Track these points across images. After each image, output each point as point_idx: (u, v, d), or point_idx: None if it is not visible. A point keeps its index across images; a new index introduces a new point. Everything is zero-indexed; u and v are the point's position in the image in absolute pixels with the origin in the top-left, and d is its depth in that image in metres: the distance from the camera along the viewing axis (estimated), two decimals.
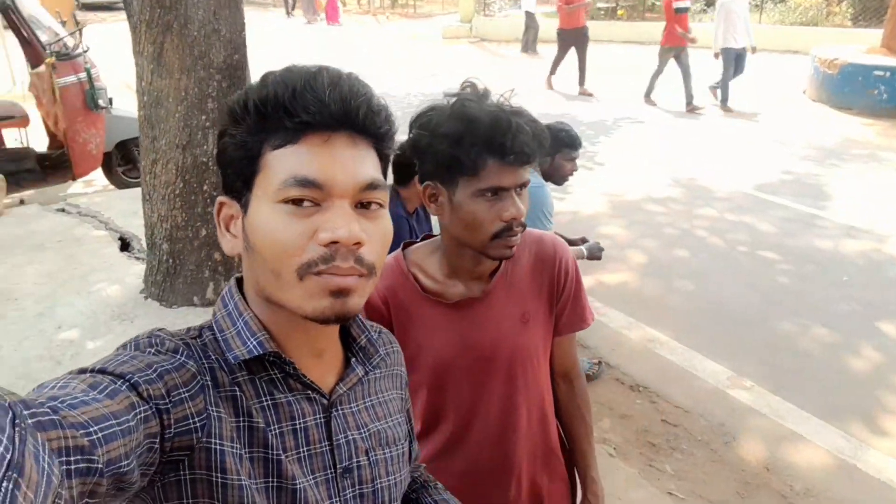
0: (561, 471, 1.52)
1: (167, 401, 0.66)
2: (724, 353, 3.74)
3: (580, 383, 1.51)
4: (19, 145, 6.43)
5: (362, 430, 0.86)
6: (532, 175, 3.15)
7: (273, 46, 13.74)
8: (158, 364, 0.68)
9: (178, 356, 0.71)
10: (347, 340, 0.89)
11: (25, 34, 5.87)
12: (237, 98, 0.74)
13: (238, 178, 0.75)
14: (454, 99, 1.21)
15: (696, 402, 3.33)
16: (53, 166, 6.07)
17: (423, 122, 1.22)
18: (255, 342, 0.75)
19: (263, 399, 0.77)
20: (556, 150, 3.25)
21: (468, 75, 1.29)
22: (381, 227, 0.78)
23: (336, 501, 0.82)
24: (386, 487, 0.88)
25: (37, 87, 6.04)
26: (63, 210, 5.11)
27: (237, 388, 0.75)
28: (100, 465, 0.55)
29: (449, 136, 1.17)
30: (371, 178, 0.76)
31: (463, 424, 1.38)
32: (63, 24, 6.58)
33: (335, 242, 0.71)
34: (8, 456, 0.45)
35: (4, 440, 0.45)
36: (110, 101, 6.00)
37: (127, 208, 5.10)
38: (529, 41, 15.50)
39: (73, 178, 5.94)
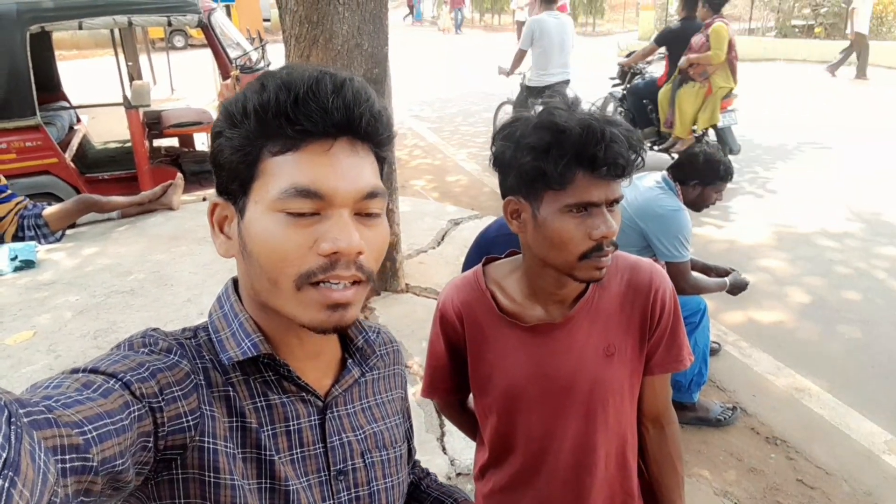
0: None
1: (160, 399, 0.67)
2: (884, 414, 3.27)
3: (672, 429, 1.36)
4: (205, 149, 7.17)
5: (358, 433, 0.85)
6: (670, 197, 3.01)
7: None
8: (151, 363, 0.69)
9: (172, 355, 0.72)
10: (345, 341, 0.88)
11: (217, 48, 6.54)
12: (236, 101, 0.73)
13: (234, 181, 0.74)
14: (544, 109, 1.13)
15: (841, 464, 2.93)
16: None
17: (507, 133, 1.15)
18: (249, 344, 0.75)
19: (257, 400, 0.77)
20: (709, 181, 3.04)
21: None
22: (379, 234, 0.77)
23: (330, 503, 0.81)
24: (383, 490, 0.87)
25: (224, 96, 6.70)
26: None
27: (231, 388, 0.75)
28: (94, 464, 0.57)
29: (535, 148, 1.08)
30: (372, 186, 0.74)
31: (533, 459, 1.29)
32: (251, 40, 7.25)
33: (335, 252, 0.70)
34: (3, 455, 0.46)
35: (0, 439, 0.47)
36: None
37: None
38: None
39: None
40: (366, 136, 0.74)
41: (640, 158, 1.10)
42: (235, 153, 0.72)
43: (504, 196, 1.19)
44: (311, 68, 0.73)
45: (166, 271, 4.15)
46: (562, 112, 1.09)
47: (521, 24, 19.66)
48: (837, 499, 2.73)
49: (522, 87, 6.94)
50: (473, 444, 1.50)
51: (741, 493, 2.77)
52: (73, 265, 4.31)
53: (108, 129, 7.21)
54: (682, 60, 6.37)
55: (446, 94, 12.70)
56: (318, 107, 0.69)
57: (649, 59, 7.39)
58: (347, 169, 0.72)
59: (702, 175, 3.02)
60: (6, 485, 0.45)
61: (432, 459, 2.54)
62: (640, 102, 7.09)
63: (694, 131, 6.50)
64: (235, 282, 0.83)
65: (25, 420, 0.51)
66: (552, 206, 1.10)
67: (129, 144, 5.91)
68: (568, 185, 1.08)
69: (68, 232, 4.78)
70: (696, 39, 6.28)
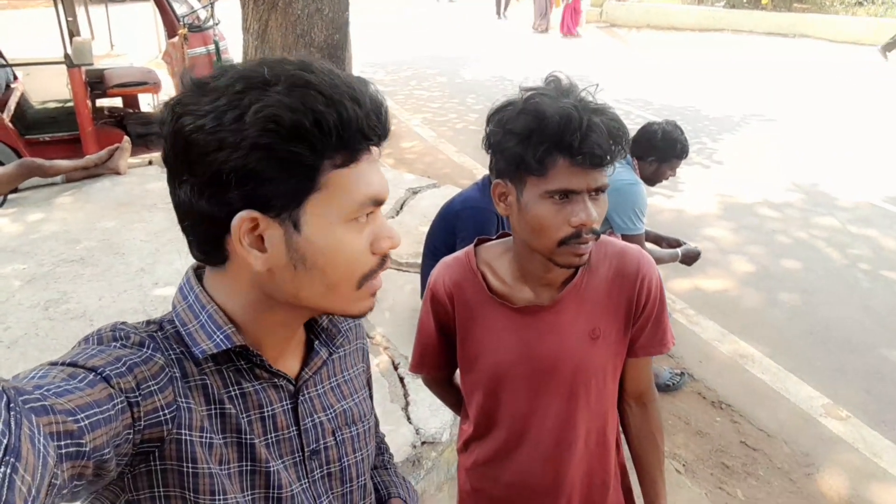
0: (618, 498, 1.45)
1: (137, 393, 0.67)
2: (822, 378, 3.46)
3: (654, 407, 1.42)
4: (151, 110, 6.92)
5: (328, 412, 0.88)
6: (626, 171, 3.08)
7: (509, 60, 12.39)
8: (127, 357, 0.69)
9: (145, 349, 0.72)
10: (309, 322, 0.89)
11: (162, 4, 6.28)
12: (299, 113, 0.67)
13: (282, 194, 0.70)
14: (528, 93, 1.13)
15: (781, 426, 3.10)
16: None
17: (497, 118, 1.15)
18: (221, 336, 0.75)
19: (231, 389, 0.78)
20: (665, 158, 3.10)
21: None
22: None
23: (305, 482, 0.85)
24: (353, 464, 0.91)
25: (170, 55, 6.46)
26: None
27: (206, 378, 0.76)
28: (87, 450, 0.58)
29: (518, 134, 1.10)
30: None
31: (515, 435, 1.33)
32: None
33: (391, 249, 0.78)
34: (4, 441, 0.47)
35: (0, 425, 0.47)
36: None
37: None
38: None
39: None
40: (386, 137, 0.77)
41: (621, 148, 1.09)
42: (295, 167, 0.69)
43: (494, 178, 1.21)
44: (341, 73, 0.73)
45: (117, 239, 4.04)
46: (546, 99, 1.10)
47: None
48: (778, 460, 2.90)
49: None
50: (437, 414, 1.54)
51: (689, 455, 2.91)
52: (17, 232, 4.16)
53: (44, 87, 6.87)
54: None
55: (400, 57, 12.53)
56: (378, 120, 0.73)
57: None
58: (382, 173, 0.78)
59: (659, 152, 3.08)
60: (8, 470, 0.46)
61: (397, 429, 2.58)
62: None
63: None
64: (196, 271, 0.81)
65: (24, 406, 0.51)
66: (533, 191, 1.12)
67: (70, 104, 5.67)
68: (548, 172, 1.09)
69: (10, 197, 4.59)
70: None
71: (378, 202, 0.75)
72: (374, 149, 0.75)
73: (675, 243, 3.43)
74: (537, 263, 1.22)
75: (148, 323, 0.78)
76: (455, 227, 3.06)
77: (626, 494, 1.48)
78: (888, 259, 4.80)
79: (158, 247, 3.91)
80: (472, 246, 1.34)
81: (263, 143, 0.67)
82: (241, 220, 0.70)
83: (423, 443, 2.55)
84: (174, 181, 0.72)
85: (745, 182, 6.27)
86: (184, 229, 0.76)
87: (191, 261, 0.81)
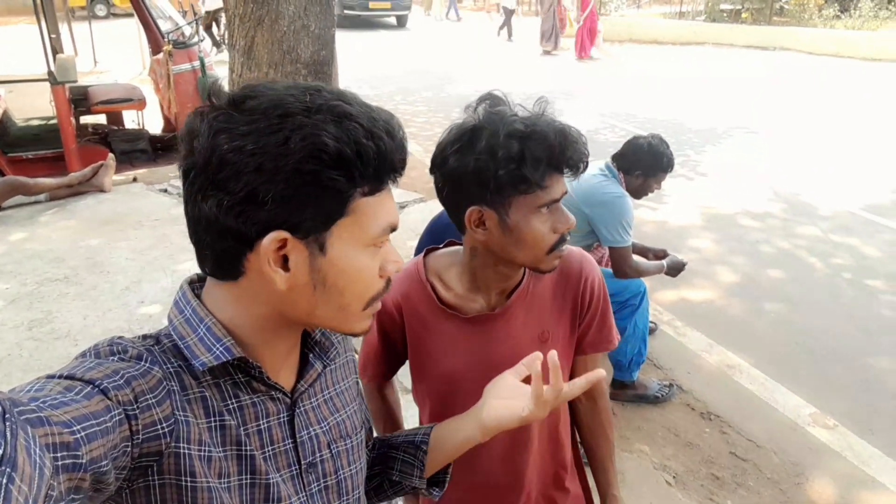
0: (576, 490, 1.50)
1: (135, 406, 0.67)
2: (809, 387, 3.49)
3: (603, 401, 1.48)
4: (136, 127, 6.90)
5: (323, 424, 0.89)
6: (613, 184, 3.09)
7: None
8: (125, 370, 0.69)
9: (143, 362, 0.72)
10: (302, 336, 0.90)
11: (147, 20, 6.28)
12: (343, 143, 0.71)
13: (313, 218, 0.73)
14: (496, 116, 1.14)
15: (770, 436, 3.12)
16: (164, 148, 6.46)
17: (461, 146, 1.15)
18: (221, 348, 0.75)
19: (230, 402, 0.78)
20: (651, 172, 3.13)
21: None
22: None
23: (303, 496, 0.85)
24: (348, 477, 0.91)
25: (155, 72, 6.46)
26: (165, 191, 5.43)
27: (205, 391, 0.76)
28: (84, 462, 0.57)
29: (511, 158, 1.10)
30: None
31: None
32: (184, 14, 6.98)
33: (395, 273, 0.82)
34: (0, 451, 0.46)
35: None
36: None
37: None
38: None
39: None
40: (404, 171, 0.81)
41: (588, 154, 1.18)
42: (330, 193, 0.72)
43: (457, 207, 1.19)
44: (374, 106, 0.77)
45: (101, 257, 4.02)
46: (522, 120, 1.14)
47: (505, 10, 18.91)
48: (768, 470, 2.91)
49: None
50: (403, 411, 1.56)
51: (678, 466, 2.92)
52: (0, 251, 4.11)
53: (28, 104, 6.84)
54: None
55: (384, 72, 12.57)
56: (401, 153, 0.77)
57: None
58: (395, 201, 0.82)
59: (645, 165, 3.11)
60: (4, 480, 0.46)
61: None
62: None
63: None
64: (191, 283, 0.82)
65: (20, 418, 0.51)
66: (523, 209, 1.14)
67: (54, 122, 5.64)
68: (545, 188, 1.14)
69: None
70: None
71: (394, 229, 0.80)
72: None
73: (661, 254, 3.45)
74: (499, 275, 1.26)
75: (145, 337, 0.78)
76: (443, 241, 3.06)
77: (584, 488, 1.54)
78: (870, 268, 4.86)
79: (144, 265, 3.89)
80: (421, 256, 1.36)
81: (307, 169, 0.70)
82: (273, 240, 0.72)
83: None
84: (197, 194, 0.73)
85: (729, 193, 6.34)
86: (198, 242, 0.76)
87: (178, 278, 0.81)
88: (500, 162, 1.11)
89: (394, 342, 1.38)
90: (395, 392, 1.55)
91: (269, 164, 0.69)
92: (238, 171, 0.69)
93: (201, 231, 0.74)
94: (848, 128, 8.98)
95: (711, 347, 3.84)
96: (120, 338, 0.75)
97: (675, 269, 3.36)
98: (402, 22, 21.62)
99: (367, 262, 0.78)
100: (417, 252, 3.27)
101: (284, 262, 0.74)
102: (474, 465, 1.37)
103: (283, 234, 0.72)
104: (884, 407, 3.36)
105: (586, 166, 1.17)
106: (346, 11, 19.42)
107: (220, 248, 0.74)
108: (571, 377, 1.39)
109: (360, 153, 0.71)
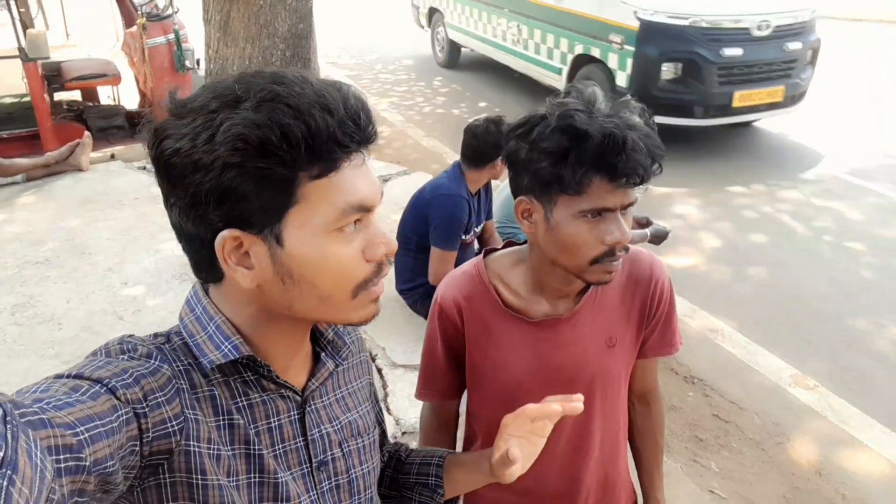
0: (629, 497, 1.46)
1: (144, 405, 0.67)
2: (790, 349, 3.56)
3: (658, 407, 1.44)
4: (111, 102, 6.77)
5: (335, 423, 0.88)
6: None
7: None
8: (134, 369, 0.69)
9: (153, 360, 0.72)
10: (314, 334, 0.90)
11: None
12: (265, 129, 0.67)
13: (260, 210, 0.70)
14: (560, 108, 1.08)
15: (752, 398, 3.19)
16: (141, 123, 6.34)
17: (522, 132, 1.10)
18: (229, 346, 0.75)
19: (239, 400, 0.78)
20: None
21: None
22: None
23: (313, 494, 0.84)
24: (360, 476, 0.91)
25: (129, 46, 6.31)
26: (144, 168, 5.35)
27: (214, 388, 0.76)
28: (87, 464, 0.57)
29: (553, 153, 1.04)
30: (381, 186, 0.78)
31: None
32: None
33: (385, 255, 0.77)
34: (1, 453, 0.46)
35: None
36: (197, 62, 6.15)
37: None
38: None
39: None
40: (371, 141, 0.76)
41: (658, 166, 1.07)
42: (269, 182, 0.69)
43: (515, 194, 1.16)
44: (316, 80, 0.72)
45: (82, 238, 3.97)
46: (581, 115, 1.04)
47: None
48: (750, 431, 2.98)
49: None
50: (416, 404, 1.48)
51: None
52: None
53: None
54: None
55: (365, 40, 12.38)
56: (355, 126, 0.71)
57: None
58: (373, 177, 0.76)
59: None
60: (5, 483, 0.46)
61: None
62: None
63: None
64: (203, 283, 0.81)
65: (21, 420, 0.51)
66: (566, 210, 1.08)
67: (27, 99, 5.53)
68: (585, 192, 1.05)
69: None
70: None
71: (365, 208, 0.74)
72: (362, 153, 0.74)
73: (644, 222, 3.46)
74: (558, 277, 1.19)
75: (156, 335, 0.78)
76: (427, 216, 3.06)
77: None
78: (851, 230, 4.92)
79: (125, 245, 3.84)
80: (480, 258, 1.30)
81: (234, 161, 0.67)
82: (224, 239, 0.71)
83: (404, 433, 2.57)
84: (166, 204, 0.73)
85: (712, 158, 6.35)
86: (183, 249, 0.77)
87: (160, 259, 0.81)
88: (542, 155, 1.07)
89: (459, 350, 1.29)
90: (459, 417, 1.43)
91: (203, 162, 0.67)
92: (181, 174, 0.69)
93: (178, 238, 0.75)
94: (832, 91, 8.99)
95: (694, 312, 3.89)
96: (130, 336, 0.76)
97: (659, 238, 3.37)
98: None
99: (333, 248, 0.73)
100: (400, 227, 3.27)
101: (250, 260, 0.72)
102: (530, 472, 1.28)
103: (234, 231, 0.70)
104: (863, 366, 3.43)
105: (646, 178, 1.05)
106: None
107: (194, 253, 0.75)
108: (631, 381, 1.36)
109: (286, 136, 0.67)
